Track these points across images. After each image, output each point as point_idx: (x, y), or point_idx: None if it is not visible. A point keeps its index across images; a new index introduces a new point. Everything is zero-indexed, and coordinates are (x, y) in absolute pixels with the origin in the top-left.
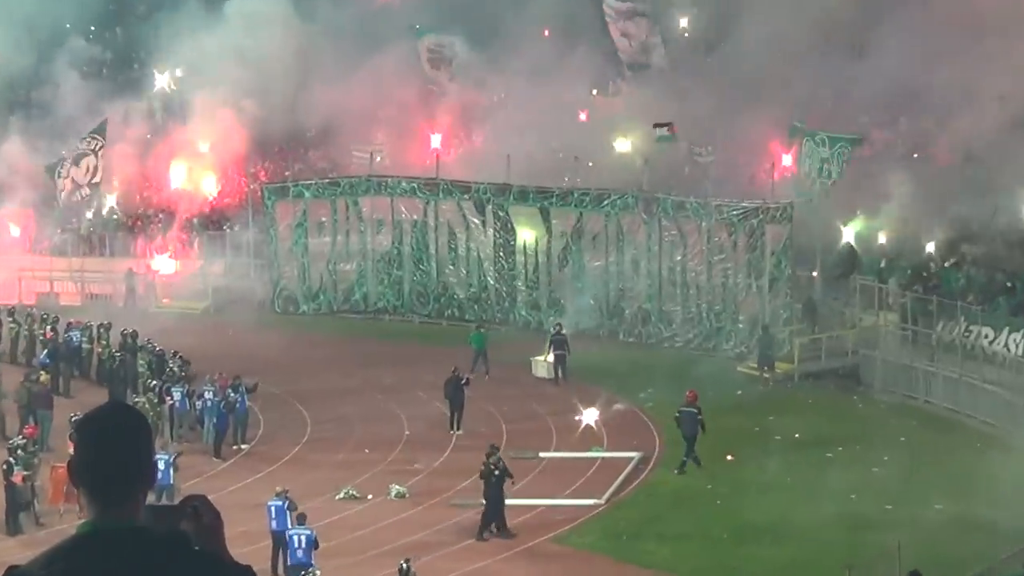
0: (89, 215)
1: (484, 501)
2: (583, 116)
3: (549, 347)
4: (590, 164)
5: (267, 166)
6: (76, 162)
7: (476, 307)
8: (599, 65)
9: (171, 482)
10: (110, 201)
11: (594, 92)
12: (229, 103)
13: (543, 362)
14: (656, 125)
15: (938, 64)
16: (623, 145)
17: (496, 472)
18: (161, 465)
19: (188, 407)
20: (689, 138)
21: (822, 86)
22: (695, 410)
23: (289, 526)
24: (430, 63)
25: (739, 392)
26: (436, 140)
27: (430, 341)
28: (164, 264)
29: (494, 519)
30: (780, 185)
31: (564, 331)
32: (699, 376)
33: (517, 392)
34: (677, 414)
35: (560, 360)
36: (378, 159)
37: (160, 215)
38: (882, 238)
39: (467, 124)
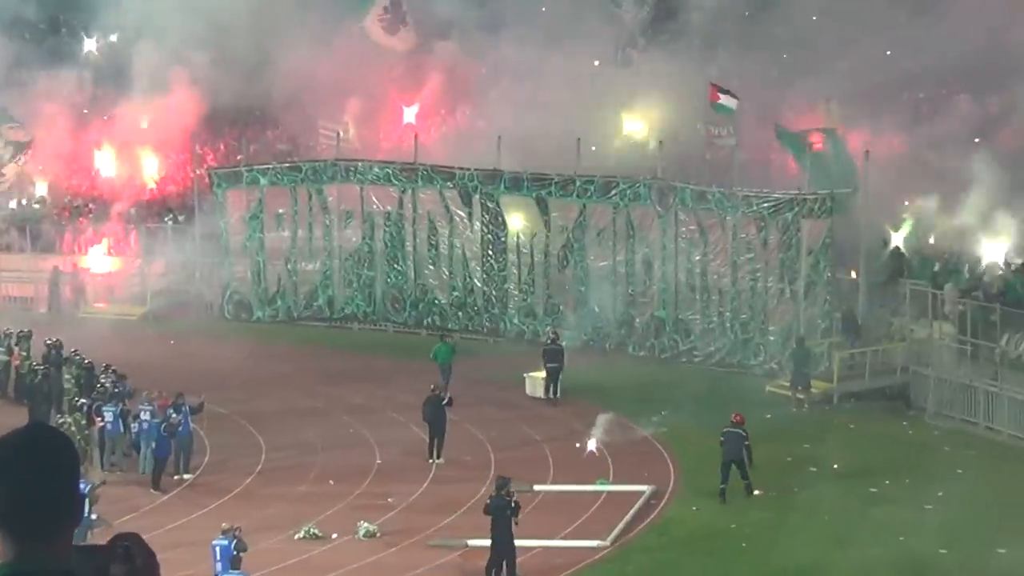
0: (12, 205)
1: (492, 541)
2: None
3: (543, 360)
4: (593, 148)
5: (216, 147)
6: None
7: (460, 314)
8: (609, 30)
9: (89, 514)
10: (41, 189)
11: (595, 63)
12: (173, 66)
13: (539, 379)
14: (718, 89)
15: (1010, 32)
16: (634, 125)
17: (513, 507)
18: None
19: (122, 429)
20: (708, 118)
21: (869, 57)
22: (742, 433)
23: (219, 572)
24: (384, 29)
25: (768, 415)
26: (411, 114)
27: (406, 354)
28: (96, 262)
29: (507, 559)
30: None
31: (561, 341)
32: (722, 396)
33: (508, 414)
34: (722, 436)
35: (553, 375)
36: (345, 136)
37: (91, 205)
38: (935, 237)
39: (451, 98)
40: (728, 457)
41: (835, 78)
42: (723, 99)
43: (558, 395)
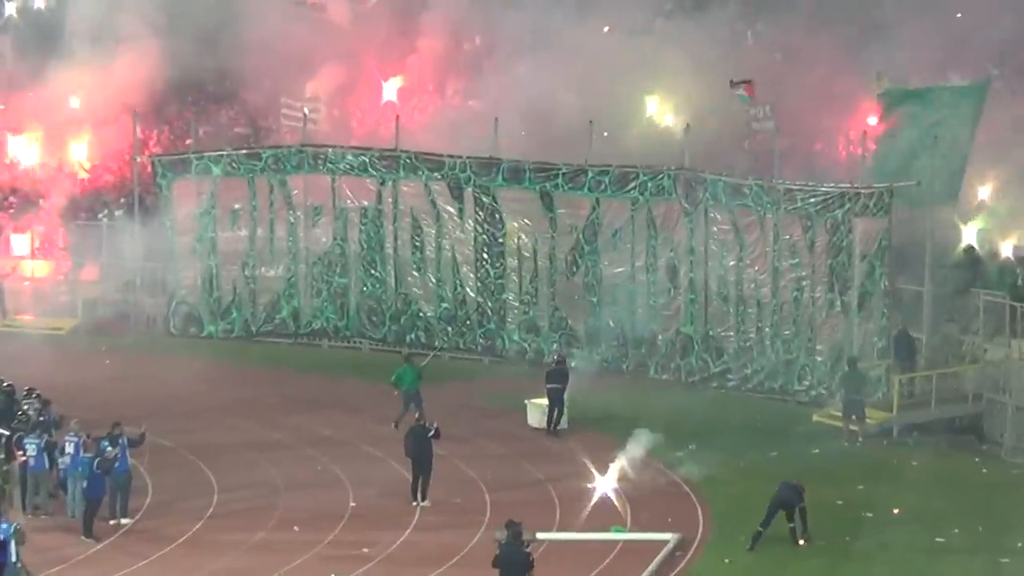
0: None
1: None
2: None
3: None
4: (604, 135)
5: (161, 129)
6: None
7: (450, 330)
8: None
9: (15, 560)
10: None
11: (605, 29)
12: (109, 34)
13: (542, 406)
14: (733, 84)
15: None
16: (657, 106)
17: (530, 561)
18: None
19: (47, 465)
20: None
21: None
22: (799, 488)
23: None
24: None
25: (816, 450)
26: (391, 91)
27: (385, 376)
28: (17, 266)
29: None
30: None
31: (568, 361)
32: (761, 428)
33: (506, 448)
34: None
35: (553, 400)
36: (313, 117)
37: (12, 198)
38: (1019, 238)
39: (439, 73)
40: (778, 501)
41: (894, 47)
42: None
43: (558, 426)
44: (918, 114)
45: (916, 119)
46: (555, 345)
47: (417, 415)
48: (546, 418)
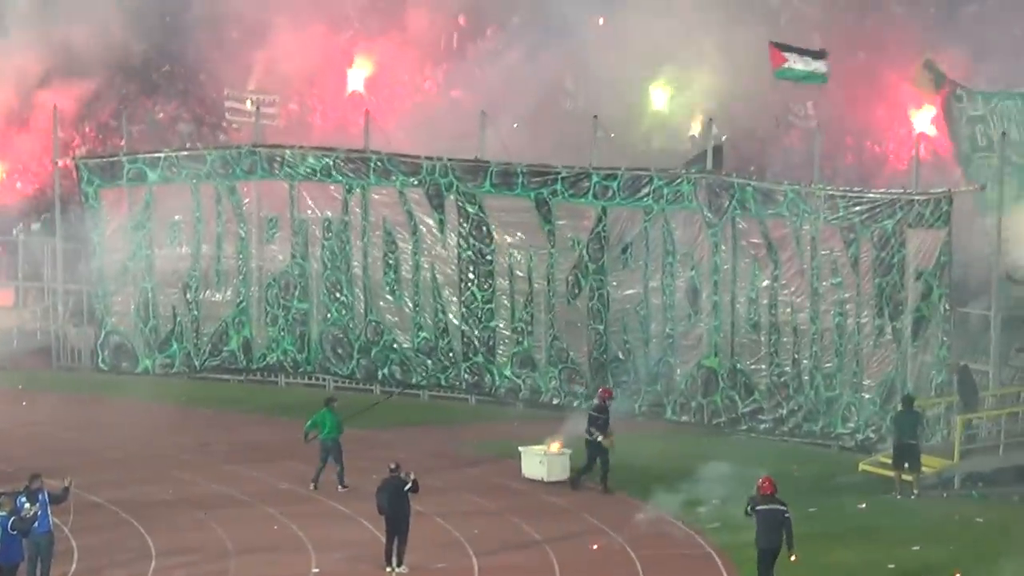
0: None
1: None
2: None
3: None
4: (612, 136)
5: (87, 126)
6: None
7: (430, 363)
8: None
9: None
10: None
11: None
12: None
13: (539, 453)
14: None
15: None
16: (666, 98)
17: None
18: None
19: None
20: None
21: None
22: (782, 507)
23: None
24: None
25: (862, 505)
26: (358, 79)
27: (354, 419)
28: None
29: None
30: (930, 165)
31: (610, 401)
32: (799, 479)
33: (496, 503)
34: (749, 511)
35: (594, 452)
36: (267, 111)
37: None
38: None
39: (416, 58)
40: (766, 546)
41: (954, 28)
42: (792, 61)
43: (576, 482)
44: (962, 110)
45: (962, 113)
46: (586, 383)
47: (392, 465)
48: (579, 469)
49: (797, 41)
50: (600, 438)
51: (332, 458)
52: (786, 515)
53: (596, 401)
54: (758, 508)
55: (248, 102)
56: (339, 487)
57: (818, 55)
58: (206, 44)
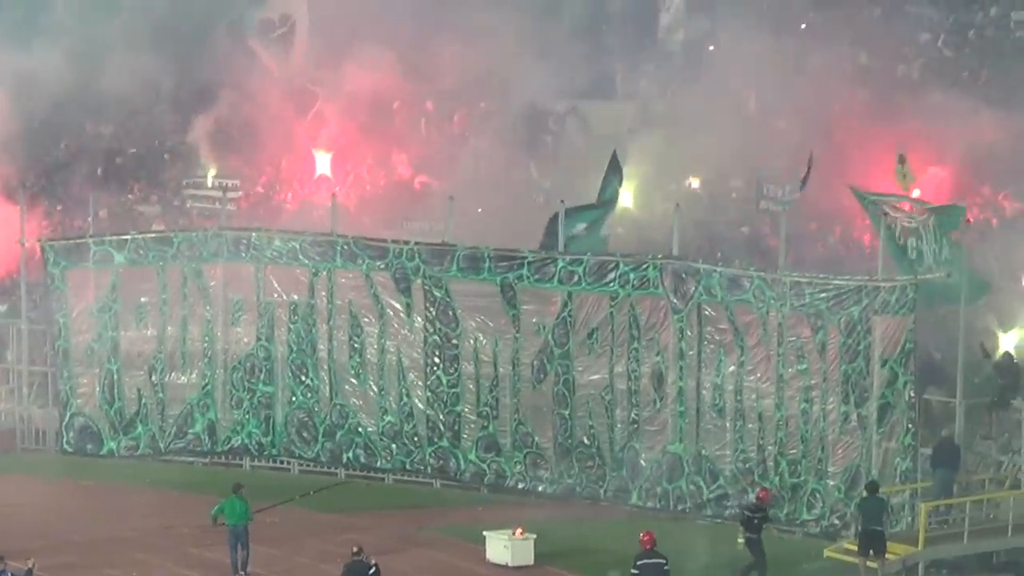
0: None
1: None
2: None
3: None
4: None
5: (53, 208)
6: None
7: (395, 447)
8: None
9: None
10: None
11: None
12: None
13: (506, 539)
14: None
15: None
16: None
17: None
18: None
19: None
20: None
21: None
22: (662, 560)
23: None
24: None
25: (740, 540)
26: (324, 163)
27: (318, 502)
28: None
29: None
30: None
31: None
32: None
33: None
34: (635, 570)
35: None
36: (231, 199)
37: None
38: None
39: (382, 141)
40: None
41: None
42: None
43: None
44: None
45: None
46: (755, 489)
47: (355, 548)
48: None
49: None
50: (743, 537)
51: (240, 543)
52: (665, 568)
53: (753, 500)
54: (640, 563)
55: (212, 185)
56: (241, 573)
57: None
58: (170, 127)
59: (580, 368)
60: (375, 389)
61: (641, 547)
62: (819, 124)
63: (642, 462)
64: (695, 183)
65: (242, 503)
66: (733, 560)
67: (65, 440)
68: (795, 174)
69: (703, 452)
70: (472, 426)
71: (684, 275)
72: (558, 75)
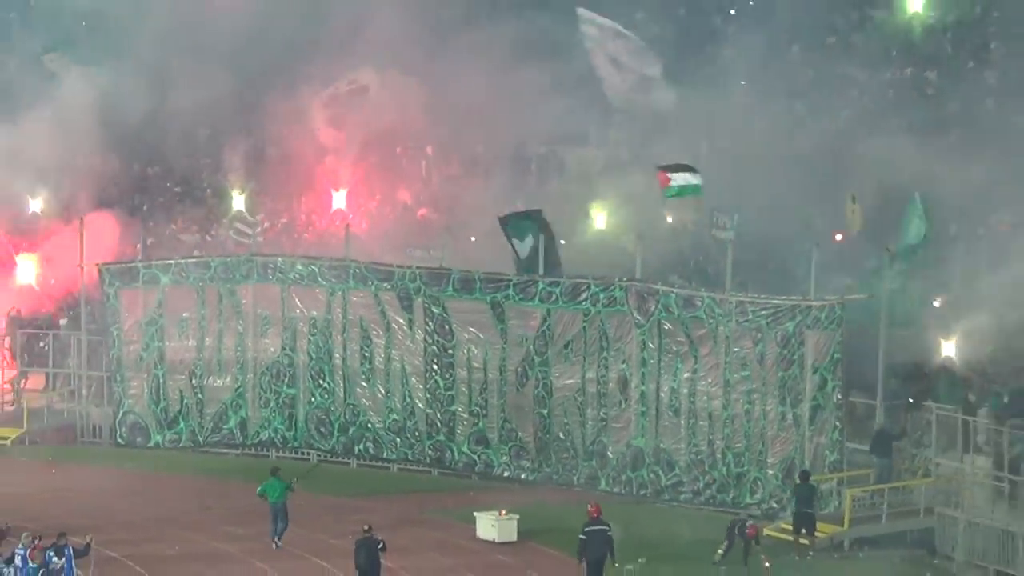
0: None
1: None
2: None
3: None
4: (561, 242)
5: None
6: None
7: (399, 441)
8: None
9: None
10: None
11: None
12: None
13: (492, 519)
14: (667, 170)
15: None
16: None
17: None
18: None
19: None
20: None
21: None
22: (606, 527)
23: None
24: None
25: (767, 564)
26: (340, 199)
27: (334, 488)
28: None
29: None
30: (826, 274)
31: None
32: (713, 541)
33: (454, 560)
34: (583, 536)
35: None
36: (261, 226)
37: None
38: (950, 348)
39: (389, 180)
40: (594, 557)
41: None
42: (676, 180)
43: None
44: None
45: None
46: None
47: (365, 526)
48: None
49: (711, 164)
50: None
51: (279, 517)
52: (608, 533)
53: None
54: (587, 529)
55: (253, 225)
56: (276, 540)
57: (693, 169)
58: (209, 166)
59: (557, 374)
60: (382, 391)
61: (588, 516)
62: (764, 166)
63: (609, 454)
64: (668, 218)
65: (280, 483)
66: (686, 535)
67: (118, 434)
68: (742, 208)
69: (661, 445)
70: (465, 423)
71: (646, 295)
72: (540, 123)
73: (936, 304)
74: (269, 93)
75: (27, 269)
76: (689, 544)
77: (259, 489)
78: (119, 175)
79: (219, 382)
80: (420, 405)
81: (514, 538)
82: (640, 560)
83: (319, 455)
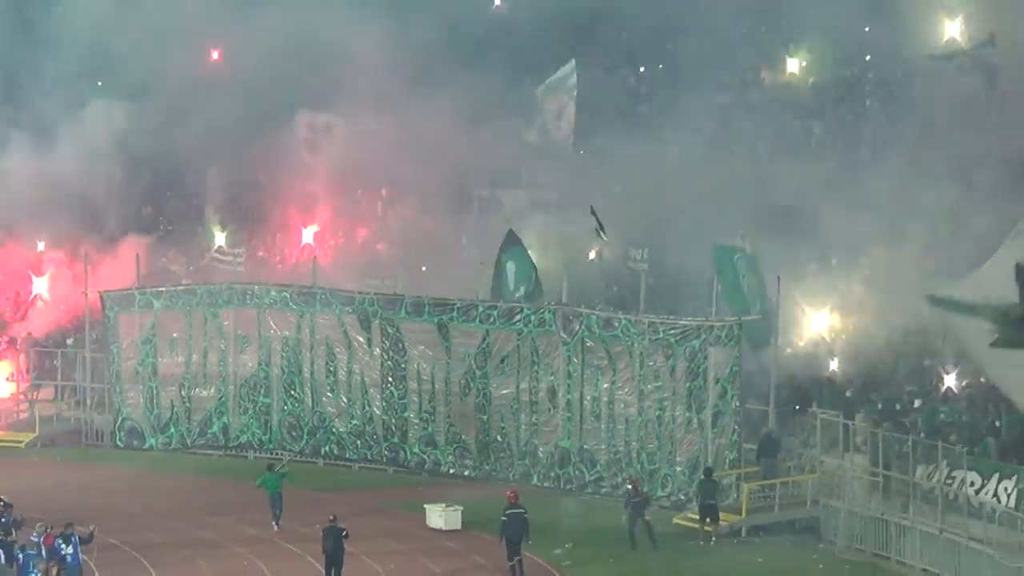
0: None
1: None
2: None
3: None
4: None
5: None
6: None
7: (359, 443)
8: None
9: None
10: None
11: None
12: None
13: (440, 510)
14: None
15: None
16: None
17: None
18: None
19: (5, 560)
20: (624, 237)
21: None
22: (523, 511)
23: None
24: (308, 143)
25: (675, 549)
26: (309, 235)
27: (304, 483)
28: None
29: None
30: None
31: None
32: (628, 529)
33: (407, 546)
34: (504, 518)
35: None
36: (240, 258)
37: None
38: (835, 364)
39: (348, 220)
40: (512, 537)
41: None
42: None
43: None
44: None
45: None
46: (630, 475)
47: (331, 516)
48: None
49: (626, 200)
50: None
51: (276, 504)
52: (525, 516)
53: (629, 488)
54: (507, 512)
55: (235, 256)
56: (275, 525)
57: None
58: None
59: (495, 385)
60: (345, 400)
61: (508, 501)
62: (675, 205)
63: (540, 453)
64: (592, 254)
65: (274, 476)
66: (606, 523)
67: (117, 438)
68: (654, 241)
69: (585, 446)
70: (416, 427)
71: (571, 317)
72: (480, 167)
73: (823, 333)
74: (249, 139)
75: (41, 290)
76: (608, 530)
77: (258, 481)
78: (118, 213)
79: (204, 392)
80: (377, 412)
81: (459, 527)
82: (567, 545)
83: (290, 455)
